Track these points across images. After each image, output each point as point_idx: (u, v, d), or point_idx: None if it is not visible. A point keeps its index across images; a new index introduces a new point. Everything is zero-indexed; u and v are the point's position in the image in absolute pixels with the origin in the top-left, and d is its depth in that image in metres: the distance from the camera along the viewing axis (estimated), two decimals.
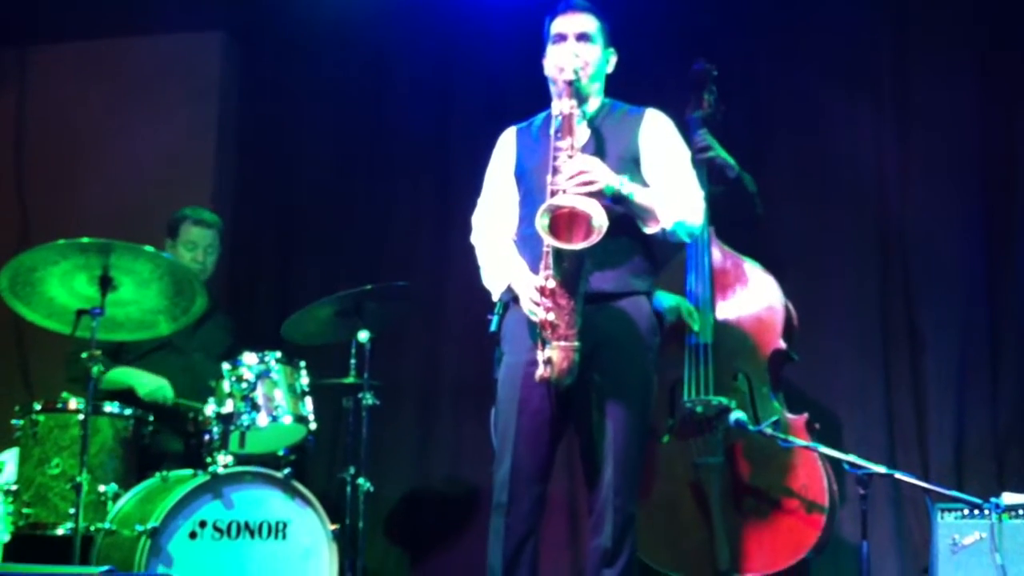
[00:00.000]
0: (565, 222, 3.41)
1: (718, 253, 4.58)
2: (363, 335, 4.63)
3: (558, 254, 3.40)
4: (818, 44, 5.29)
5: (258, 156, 6.10)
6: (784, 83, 5.32)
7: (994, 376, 4.90)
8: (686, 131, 4.64)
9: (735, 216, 4.70)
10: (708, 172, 4.61)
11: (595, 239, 3.35)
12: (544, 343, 3.45)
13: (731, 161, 4.63)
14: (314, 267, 5.85)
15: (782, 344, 4.42)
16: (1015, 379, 4.87)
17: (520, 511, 3.58)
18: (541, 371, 3.46)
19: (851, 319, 5.10)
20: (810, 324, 4.63)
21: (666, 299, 4.46)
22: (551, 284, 3.41)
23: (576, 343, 3.43)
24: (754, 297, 4.50)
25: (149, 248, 4.19)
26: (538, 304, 3.45)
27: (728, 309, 4.50)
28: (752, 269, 4.54)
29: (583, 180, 3.44)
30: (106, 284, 4.09)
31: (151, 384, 4.65)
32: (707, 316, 4.45)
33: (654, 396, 3.71)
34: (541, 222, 3.38)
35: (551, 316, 3.42)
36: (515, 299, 3.63)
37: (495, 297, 3.74)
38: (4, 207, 6.14)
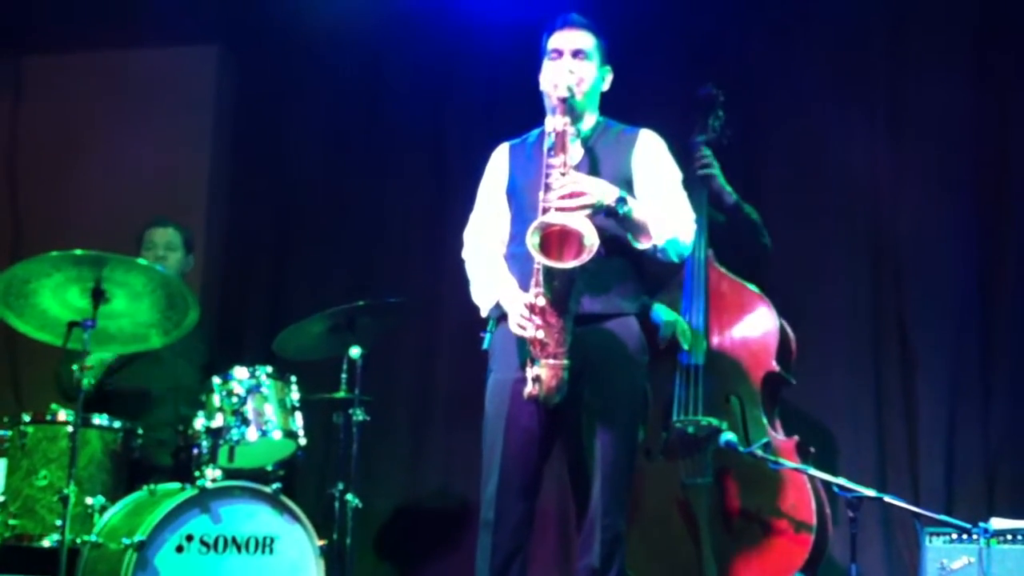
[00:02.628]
0: (556, 240, 3.40)
1: (715, 275, 4.58)
2: (355, 351, 4.63)
3: (549, 272, 3.39)
4: (811, 50, 5.28)
5: (253, 168, 6.10)
6: (776, 90, 5.31)
7: (986, 396, 4.89)
8: (689, 154, 4.67)
9: (740, 243, 4.70)
10: (707, 195, 4.62)
11: (586, 258, 3.34)
12: (533, 361, 3.45)
13: (728, 188, 4.64)
14: (308, 279, 5.84)
15: (775, 367, 4.42)
16: (1006, 400, 4.86)
17: (507, 528, 3.57)
18: (529, 388, 3.46)
19: (842, 337, 5.09)
20: (801, 342, 4.63)
21: (665, 314, 4.46)
22: (541, 302, 3.41)
23: (565, 361, 3.43)
24: (749, 320, 4.50)
25: (143, 261, 4.22)
26: (528, 321, 3.45)
27: (723, 331, 4.50)
28: (748, 292, 4.54)
29: (574, 199, 3.43)
30: (99, 296, 4.09)
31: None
32: (701, 338, 4.45)
33: (642, 416, 3.70)
34: (532, 240, 3.37)
35: (540, 334, 3.42)
36: (504, 316, 3.63)
37: (483, 313, 3.74)
38: None
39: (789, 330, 4.53)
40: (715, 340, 4.49)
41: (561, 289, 3.40)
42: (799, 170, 5.25)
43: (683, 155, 4.67)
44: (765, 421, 4.38)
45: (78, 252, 4.00)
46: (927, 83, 5.11)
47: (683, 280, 4.56)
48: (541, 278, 3.41)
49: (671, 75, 5.32)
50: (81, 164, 6.08)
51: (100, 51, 6.20)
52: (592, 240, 3.35)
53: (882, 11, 5.23)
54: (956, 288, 4.99)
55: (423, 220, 5.74)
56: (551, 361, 3.42)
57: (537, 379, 3.44)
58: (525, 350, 3.50)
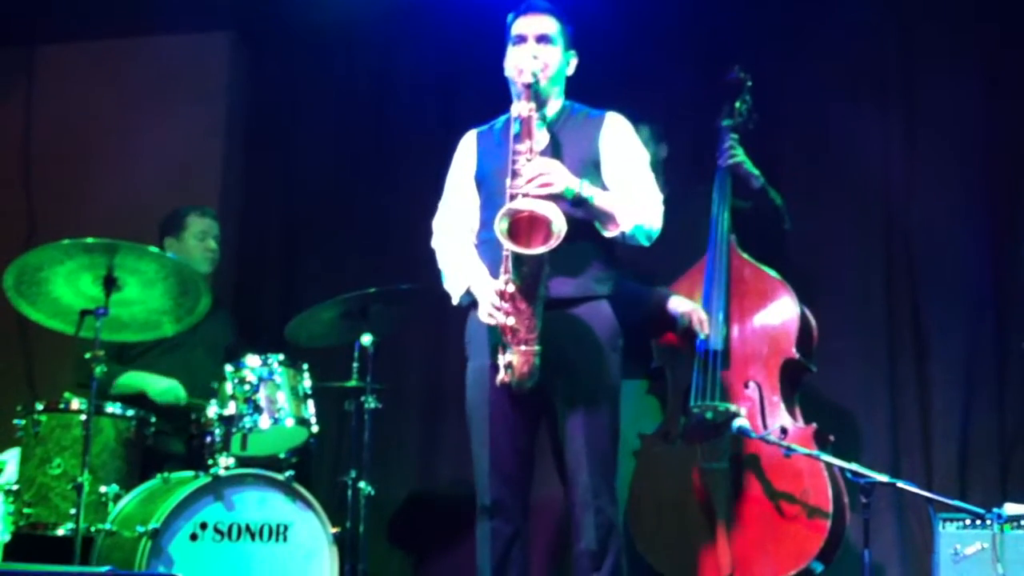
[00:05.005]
0: (525, 226, 3.42)
1: (737, 261, 4.56)
2: (366, 338, 4.63)
3: (518, 258, 3.41)
4: (824, 45, 5.26)
5: (265, 157, 6.10)
6: (789, 85, 5.28)
7: (1000, 382, 4.87)
8: (715, 140, 4.66)
9: (761, 230, 4.68)
10: (733, 181, 4.60)
11: (554, 243, 3.36)
12: (504, 348, 3.47)
13: (756, 172, 4.62)
14: (319, 268, 5.84)
15: (795, 354, 4.40)
16: (1020, 385, 4.85)
17: (504, 513, 3.62)
18: (502, 375, 3.49)
19: (856, 325, 5.07)
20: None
21: (682, 305, 4.46)
22: (510, 288, 3.43)
23: (536, 347, 3.45)
24: (770, 306, 4.48)
25: (154, 248, 4.22)
26: (498, 308, 3.46)
27: (743, 317, 4.48)
28: (770, 279, 4.51)
29: (542, 183, 3.45)
30: (111, 284, 4.10)
31: (163, 386, 4.65)
32: (720, 323, 4.44)
33: (620, 396, 3.72)
34: (500, 226, 3.39)
35: (511, 320, 3.44)
36: (476, 303, 3.64)
37: (455, 301, 3.76)
38: (11, 206, 6.16)
39: (811, 317, 4.51)
40: (736, 326, 4.47)
41: (530, 275, 3.42)
42: (813, 164, 5.23)
43: (707, 143, 4.71)
44: (784, 407, 4.36)
45: (90, 240, 4.01)
46: (940, 78, 5.10)
47: (705, 265, 4.54)
48: (510, 265, 3.43)
49: (686, 73, 5.29)
50: (95, 152, 6.09)
51: (112, 39, 6.20)
52: (560, 226, 3.36)
53: (895, 11, 5.21)
54: (969, 276, 4.98)
55: (433, 208, 5.71)
56: (523, 347, 3.45)
57: (509, 366, 3.47)
58: (497, 336, 3.52)
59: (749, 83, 4.75)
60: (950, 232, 5.02)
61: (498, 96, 5.50)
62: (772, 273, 4.53)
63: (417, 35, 5.86)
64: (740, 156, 4.61)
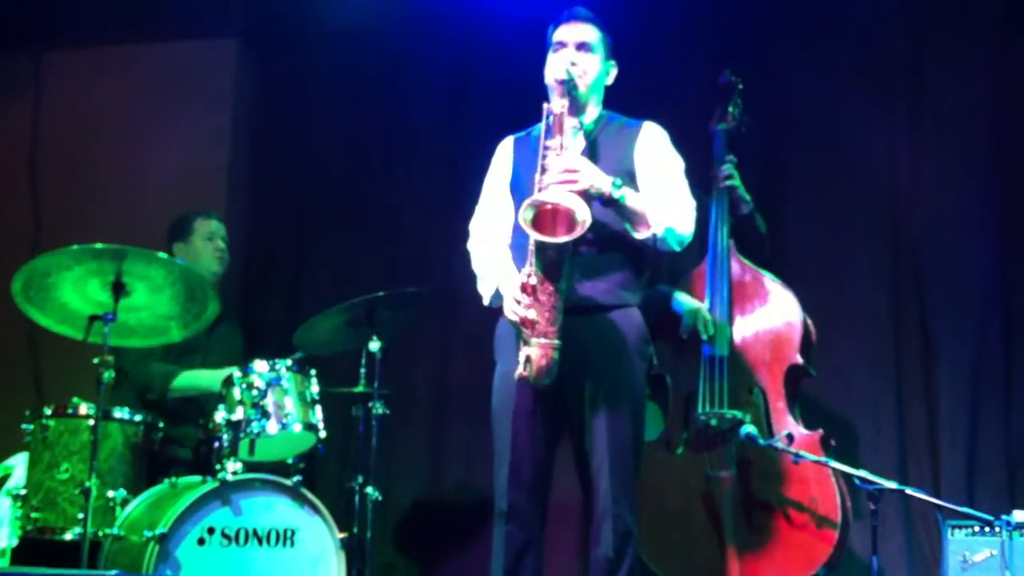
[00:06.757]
0: (549, 218, 3.43)
1: (737, 266, 4.57)
2: (374, 345, 4.64)
3: (541, 248, 3.42)
4: (832, 45, 5.27)
5: (272, 162, 6.10)
6: (797, 86, 5.29)
7: (1008, 389, 4.87)
8: (709, 144, 4.66)
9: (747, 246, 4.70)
10: (729, 202, 4.61)
11: (579, 233, 3.37)
12: (524, 342, 3.47)
13: (747, 197, 4.63)
14: (328, 273, 5.84)
15: (799, 359, 4.41)
16: None
17: (520, 518, 3.61)
18: (520, 369, 3.48)
19: (863, 330, 5.07)
20: (822, 336, 4.62)
21: (685, 303, 4.46)
22: (533, 280, 3.43)
23: (556, 341, 3.45)
24: (772, 312, 4.49)
25: (162, 254, 4.22)
26: (519, 303, 3.46)
27: (746, 323, 4.49)
28: (771, 283, 4.52)
29: (566, 179, 3.46)
30: (119, 290, 4.10)
31: (219, 377, 4.54)
32: (724, 329, 4.44)
33: (644, 407, 3.72)
34: (524, 215, 3.40)
35: (532, 313, 3.43)
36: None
37: (485, 302, 3.77)
38: (18, 212, 6.15)
39: (810, 321, 4.52)
40: (738, 332, 4.48)
41: (553, 264, 3.42)
42: (820, 167, 5.23)
43: (700, 144, 4.71)
44: (788, 413, 4.36)
45: (98, 245, 4.02)
46: (948, 79, 5.09)
47: (705, 271, 4.54)
48: (533, 257, 3.44)
49: (693, 72, 5.29)
50: (101, 159, 6.09)
51: (119, 46, 6.20)
52: (584, 216, 3.37)
53: (904, 8, 5.20)
54: (977, 281, 4.98)
55: (442, 213, 5.72)
56: (542, 340, 3.44)
57: (527, 360, 3.46)
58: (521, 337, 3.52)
59: (740, 86, 4.75)
60: (958, 236, 5.02)
61: (508, 97, 5.56)
62: (772, 277, 4.55)
63: (424, 40, 5.86)
64: (735, 180, 4.62)
